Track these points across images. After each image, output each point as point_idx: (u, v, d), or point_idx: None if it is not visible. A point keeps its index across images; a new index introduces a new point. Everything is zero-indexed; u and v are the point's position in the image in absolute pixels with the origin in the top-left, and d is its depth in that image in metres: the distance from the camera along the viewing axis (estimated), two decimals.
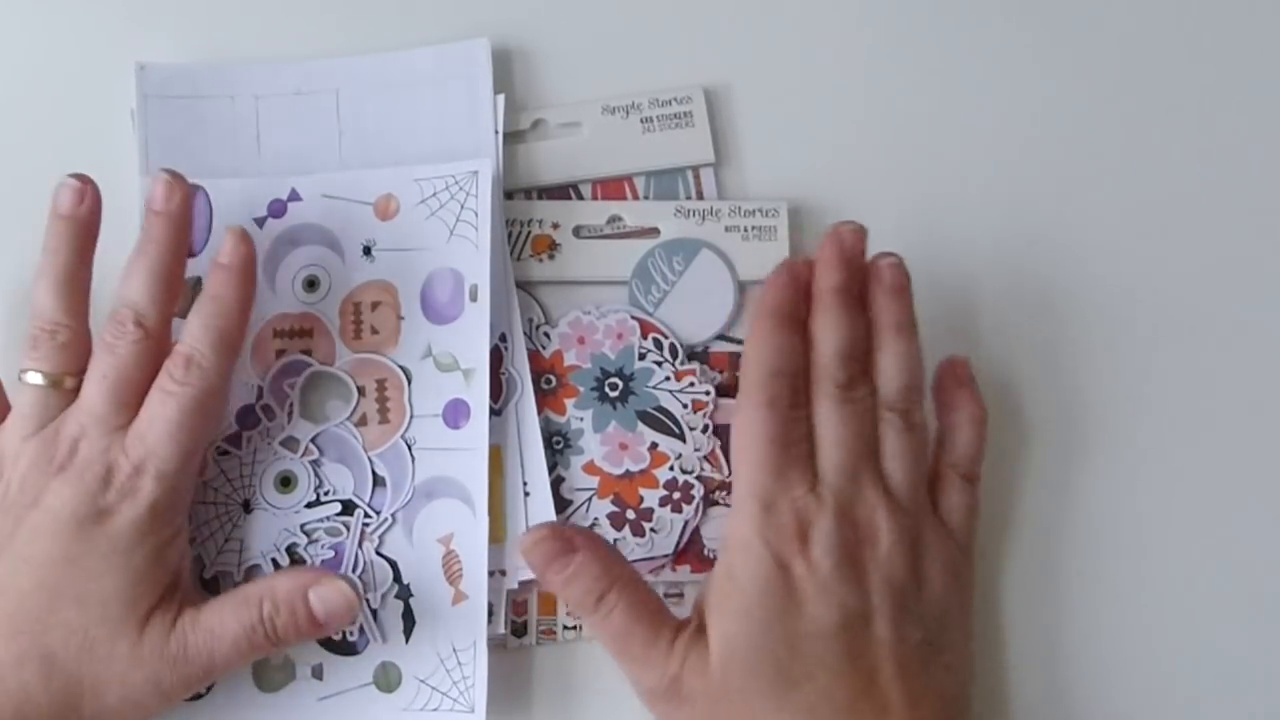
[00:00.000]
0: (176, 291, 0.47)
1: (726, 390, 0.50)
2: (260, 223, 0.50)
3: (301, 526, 0.48)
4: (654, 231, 0.51)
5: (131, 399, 0.46)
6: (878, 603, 0.44)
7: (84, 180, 0.47)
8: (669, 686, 0.44)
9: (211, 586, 0.48)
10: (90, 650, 0.43)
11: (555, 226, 0.51)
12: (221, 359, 0.46)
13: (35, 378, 0.47)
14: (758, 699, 0.43)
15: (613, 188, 0.52)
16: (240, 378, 0.49)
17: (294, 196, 0.51)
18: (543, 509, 0.49)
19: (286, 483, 0.49)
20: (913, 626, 0.45)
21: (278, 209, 0.51)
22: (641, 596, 0.45)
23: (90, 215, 0.47)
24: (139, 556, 0.44)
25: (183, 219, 0.47)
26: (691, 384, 0.50)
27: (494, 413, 0.49)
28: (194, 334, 0.46)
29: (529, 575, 0.48)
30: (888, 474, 0.46)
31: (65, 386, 0.47)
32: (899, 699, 0.43)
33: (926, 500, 0.47)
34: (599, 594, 0.44)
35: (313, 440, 0.49)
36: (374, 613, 0.48)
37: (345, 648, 0.48)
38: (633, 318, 0.50)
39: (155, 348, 0.46)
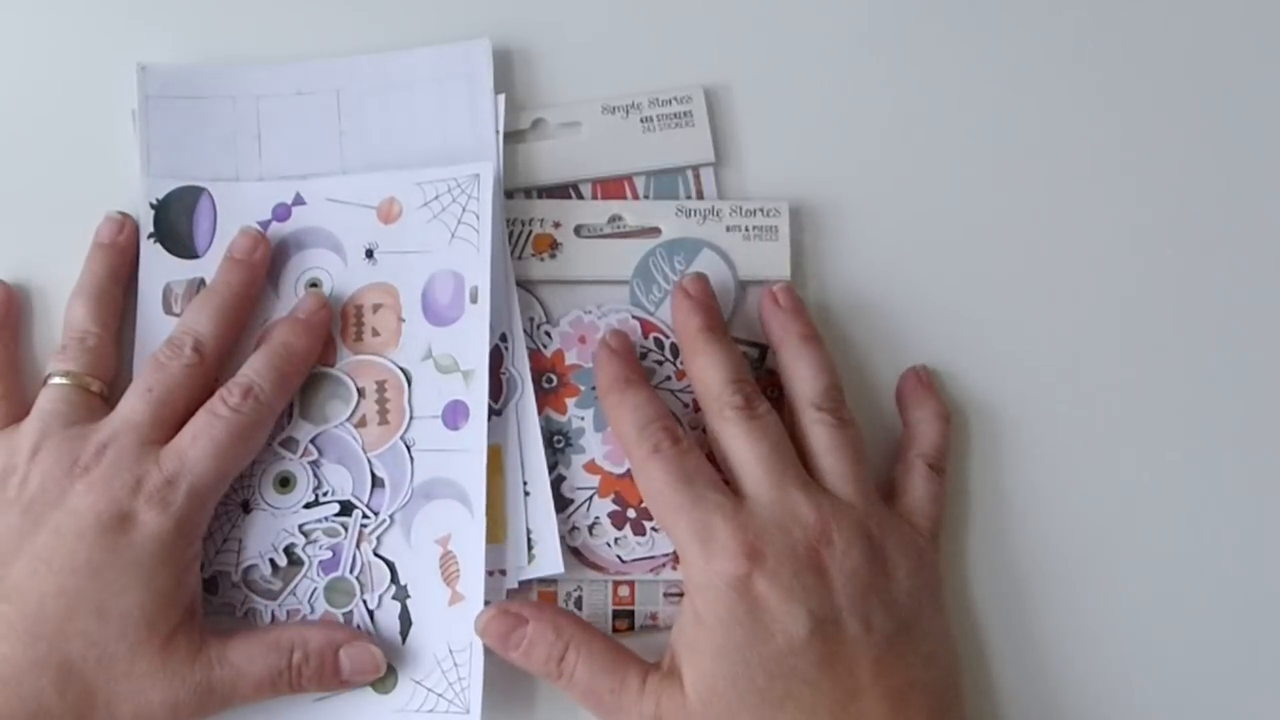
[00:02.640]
0: (238, 334, 0.49)
1: None
2: (264, 226, 0.50)
3: (300, 527, 0.48)
4: (655, 231, 0.51)
5: (169, 418, 0.46)
6: (843, 601, 0.44)
7: (125, 216, 0.51)
8: None
9: (210, 586, 0.48)
10: (108, 665, 0.43)
11: (556, 225, 0.51)
12: (277, 398, 0.47)
13: (59, 378, 0.47)
14: None
15: (612, 187, 0.52)
16: None
17: (298, 200, 0.51)
18: (543, 508, 0.48)
19: (285, 483, 0.49)
20: (884, 618, 0.44)
21: (282, 213, 0.51)
22: (600, 649, 0.45)
23: (127, 244, 0.50)
24: (161, 577, 0.44)
25: (261, 270, 0.50)
26: None
27: (494, 412, 0.49)
28: (258, 369, 0.47)
29: (529, 575, 0.48)
30: (825, 470, 0.46)
31: (90, 389, 0.48)
32: (883, 698, 0.43)
33: (874, 491, 0.47)
34: (558, 658, 0.45)
35: (312, 441, 0.49)
36: (371, 614, 0.47)
37: None
38: (634, 317, 0.50)
39: (204, 377, 0.47)
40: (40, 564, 0.44)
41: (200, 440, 0.45)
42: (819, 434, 0.47)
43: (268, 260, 0.50)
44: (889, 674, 0.43)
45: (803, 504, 0.45)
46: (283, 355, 0.48)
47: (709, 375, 0.47)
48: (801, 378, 0.48)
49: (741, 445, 0.46)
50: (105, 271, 0.50)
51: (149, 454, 0.45)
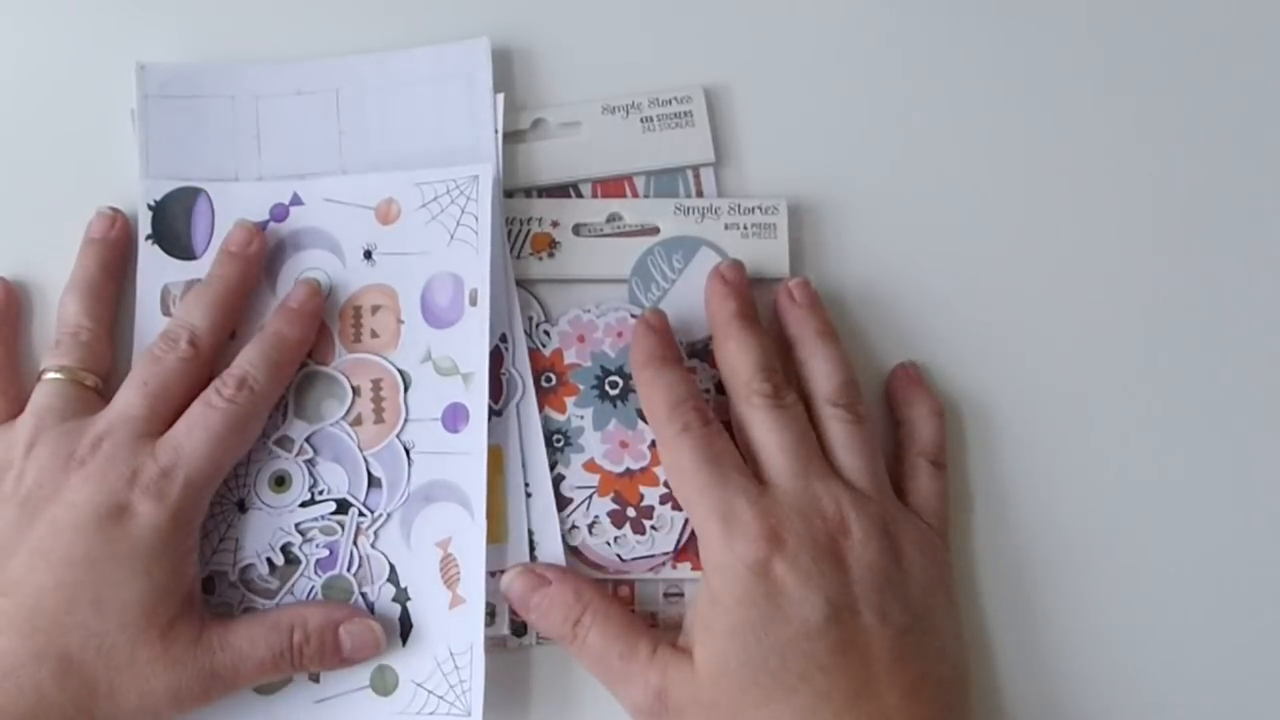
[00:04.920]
0: (232, 327, 0.49)
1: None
2: (262, 226, 0.50)
3: (296, 525, 0.48)
4: (654, 230, 0.51)
5: (165, 411, 0.46)
6: (860, 591, 0.44)
7: (116, 211, 0.51)
8: (654, 700, 0.44)
9: (207, 586, 0.47)
10: (108, 655, 0.43)
11: (555, 224, 0.51)
12: (272, 388, 0.47)
13: (54, 374, 0.47)
14: (754, 709, 0.43)
15: (612, 187, 0.52)
16: None
17: (296, 200, 0.51)
18: (545, 509, 0.48)
19: (281, 482, 0.48)
20: (899, 611, 0.44)
21: (280, 213, 0.51)
22: (615, 616, 0.46)
23: (119, 239, 0.50)
24: (159, 567, 0.44)
25: (256, 264, 0.50)
26: None
27: (495, 413, 0.48)
28: (252, 359, 0.47)
29: None
30: (843, 465, 0.47)
31: (85, 384, 0.48)
32: (896, 689, 0.43)
33: (888, 486, 0.47)
34: (574, 620, 0.46)
35: (307, 440, 0.48)
36: (370, 607, 0.47)
37: None
38: (633, 316, 0.50)
39: (200, 370, 0.47)
40: (38, 558, 0.43)
41: (196, 431, 0.45)
42: (836, 430, 0.47)
43: (263, 254, 0.50)
44: (903, 666, 0.43)
45: (824, 494, 0.45)
46: (276, 345, 0.48)
47: (739, 361, 0.47)
48: (818, 373, 0.48)
49: (767, 432, 0.46)
50: (97, 266, 0.50)
51: (144, 446, 0.45)
